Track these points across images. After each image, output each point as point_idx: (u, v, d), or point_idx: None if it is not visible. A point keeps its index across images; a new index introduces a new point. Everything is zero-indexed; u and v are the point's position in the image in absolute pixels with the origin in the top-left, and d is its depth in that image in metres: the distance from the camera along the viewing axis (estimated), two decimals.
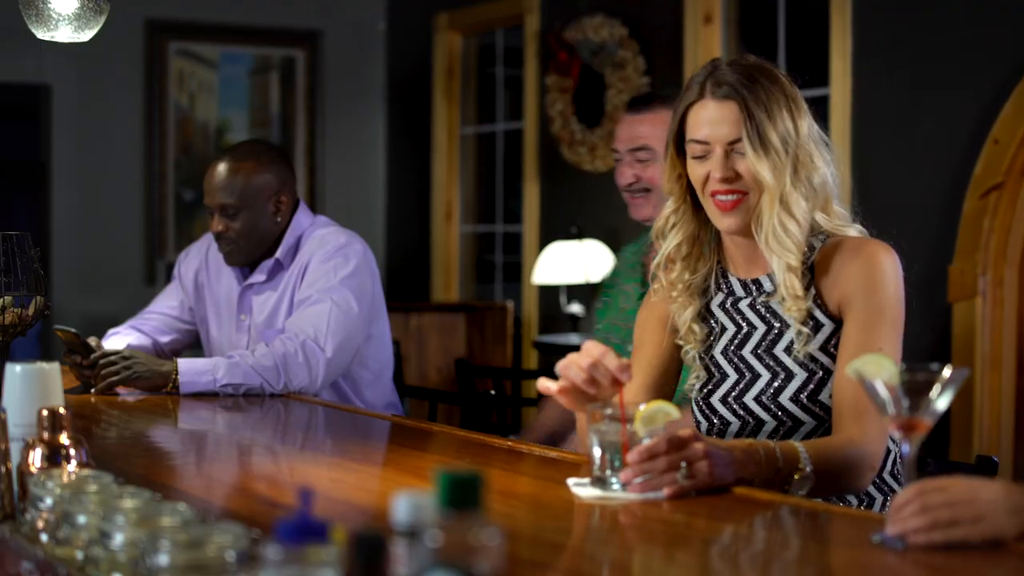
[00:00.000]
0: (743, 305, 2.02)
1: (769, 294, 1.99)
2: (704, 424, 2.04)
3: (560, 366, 1.77)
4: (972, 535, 1.37)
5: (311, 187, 6.35)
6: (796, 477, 1.76)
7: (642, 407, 1.72)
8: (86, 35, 2.73)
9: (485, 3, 5.91)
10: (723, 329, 2.03)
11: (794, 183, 1.92)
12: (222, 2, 6.19)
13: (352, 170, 6.43)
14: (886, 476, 2.01)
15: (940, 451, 3.76)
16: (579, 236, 5.16)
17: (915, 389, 1.46)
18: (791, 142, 1.92)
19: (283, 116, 6.38)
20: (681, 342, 2.06)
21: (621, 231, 5.22)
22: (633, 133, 2.82)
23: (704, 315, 2.05)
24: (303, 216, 3.12)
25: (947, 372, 1.46)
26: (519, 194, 5.80)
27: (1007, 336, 3.86)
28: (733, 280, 2.04)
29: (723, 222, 1.96)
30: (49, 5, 2.67)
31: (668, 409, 1.72)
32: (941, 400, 1.46)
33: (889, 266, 1.92)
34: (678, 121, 1.97)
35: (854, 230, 1.99)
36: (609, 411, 1.73)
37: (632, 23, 5.17)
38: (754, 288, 2.02)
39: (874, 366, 1.49)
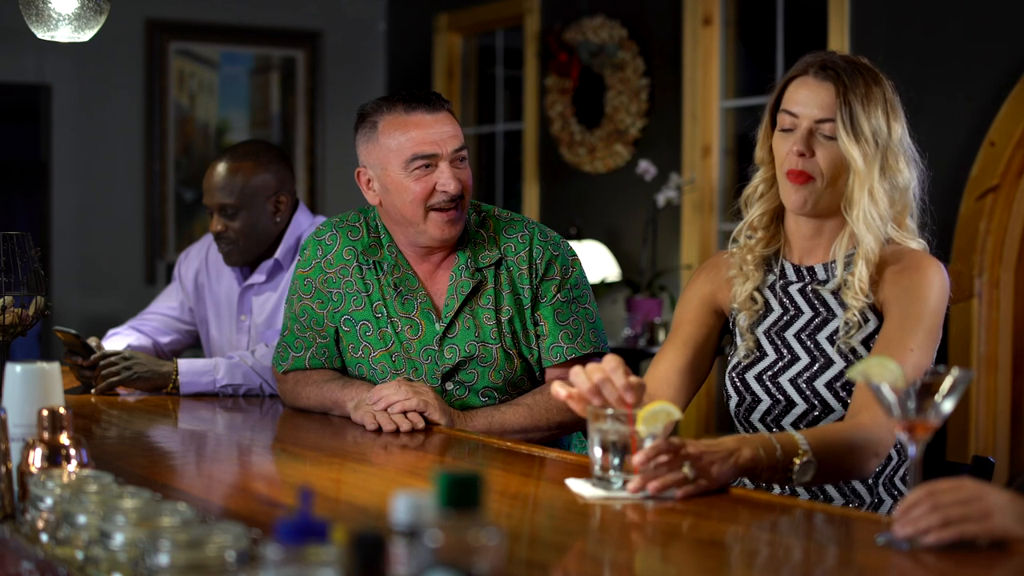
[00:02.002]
0: (793, 289, 2.07)
1: (822, 282, 2.03)
2: (735, 399, 2.08)
3: (572, 372, 1.78)
4: (982, 532, 1.39)
5: (311, 187, 6.35)
6: (796, 463, 1.77)
7: (643, 407, 1.73)
8: (86, 35, 2.73)
9: (485, 4, 5.91)
10: (770, 310, 2.07)
11: (880, 179, 1.97)
12: (222, 2, 6.20)
13: (352, 170, 6.43)
14: (897, 481, 2.03)
15: (937, 452, 3.76)
16: (578, 237, 5.16)
17: (921, 391, 1.47)
18: (881, 139, 1.97)
19: (283, 116, 6.39)
20: (736, 307, 2.09)
21: (621, 232, 5.23)
22: (448, 132, 2.38)
23: (758, 289, 2.09)
24: (302, 216, 3.12)
25: (952, 374, 1.47)
26: (519, 195, 5.81)
27: (1003, 337, 3.87)
28: (787, 265, 2.09)
29: (791, 198, 2.00)
30: (49, 5, 2.67)
31: (670, 409, 1.72)
32: (947, 402, 1.48)
33: (937, 281, 1.97)
34: (778, 91, 2.03)
35: (916, 244, 2.04)
36: (610, 411, 1.73)
37: (632, 24, 5.18)
38: (807, 275, 2.06)
39: (879, 368, 1.50)
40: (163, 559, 1.15)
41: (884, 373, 1.49)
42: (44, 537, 1.40)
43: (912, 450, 1.49)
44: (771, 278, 2.09)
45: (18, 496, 1.53)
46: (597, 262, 5.05)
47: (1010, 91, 3.79)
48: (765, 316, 2.08)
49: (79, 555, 1.32)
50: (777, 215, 2.08)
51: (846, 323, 1.98)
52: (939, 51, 4.02)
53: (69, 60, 5.77)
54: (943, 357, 3.89)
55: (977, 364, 3.84)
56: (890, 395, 1.48)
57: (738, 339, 2.09)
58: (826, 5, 4.34)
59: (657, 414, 1.71)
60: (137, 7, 5.91)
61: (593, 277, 5.06)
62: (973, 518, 1.39)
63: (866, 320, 1.98)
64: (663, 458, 1.66)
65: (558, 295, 2.44)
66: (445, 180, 2.36)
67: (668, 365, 2.08)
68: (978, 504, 1.39)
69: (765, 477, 1.76)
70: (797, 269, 2.07)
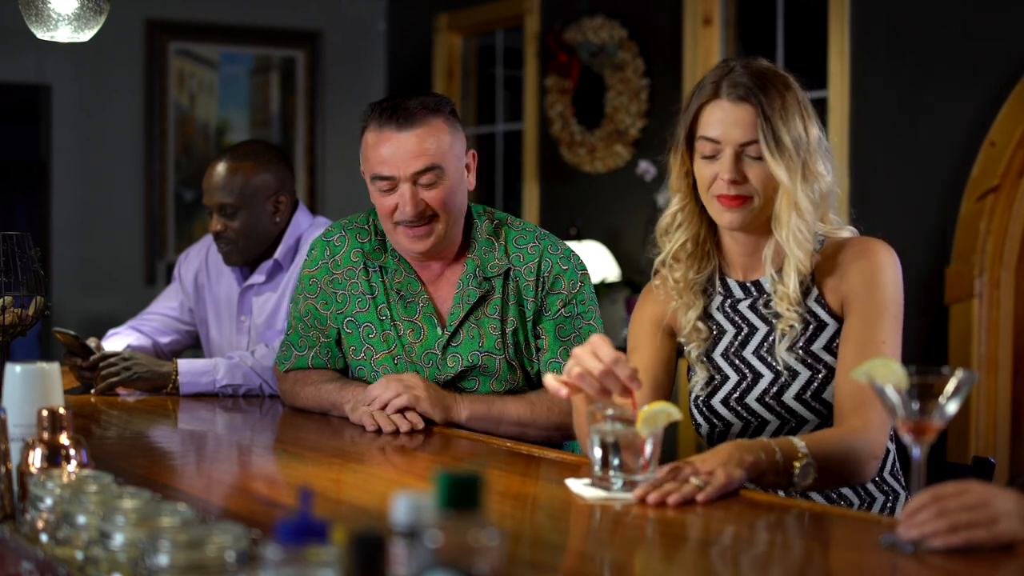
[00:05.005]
0: (743, 307, 2.03)
1: (770, 295, 2.00)
2: (705, 426, 2.04)
3: (575, 375, 1.75)
4: (988, 538, 1.38)
5: (311, 187, 6.35)
6: (797, 466, 1.76)
7: (644, 408, 1.73)
8: (86, 35, 2.73)
9: (485, 4, 5.91)
10: (722, 331, 2.04)
11: (803, 188, 1.93)
12: (222, 2, 6.20)
13: (352, 170, 6.41)
14: (886, 476, 2.02)
15: (938, 452, 3.76)
16: (579, 237, 5.16)
17: (925, 392, 1.46)
18: (802, 147, 1.93)
19: (283, 116, 6.39)
20: (683, 340, 2.07)
21: (621, 232, 5.23)
22: (412, 152, 2.32)
23: (702, 317, 2.06)
24: (302, 216, 3.12)
25: (956, 375, 1.46)
26: (519, 195, 5.81)
27: (1003, 338, 3.87)
28: (732, 283, 2.05)
29: (725, 217, 1.95)
30: (49, 5, 2.67)
31: (669, 409, 1.72)
32: (951, 403, 1.47)
33: (889, 264, 1.94)
34: (690, 118, 1.97)
35: (847, 231, 2.01)
36: (610, 411, 1.73)
37: (632, 25, 5.17)
38: (754, 290, 2.03)
39: (883, 370, 1.49)
40: (163, 559, 1.15)
41: (888, 375, 1.48)
42: (44, 537, 1.40)
43: (916, 452, 1.48)
44: (717, 299, 2.05)
45: (18, 496, 1.53)
46: (597, 262, 5.05)
47: (1010, 91, 3.79)
48: (719, 339, 2.04)
49: (79, 555, 1.32)
50: (701, 237, 2.03)
51: (782, 333, 1.95)
52: (939, 51, 4.02)
53: (69, 60, 5.77)
54: (943, 358, 3.89)
55: (977, 364, 3.84)
56: (894, 396, 1.47)
57: (695, 368, 2.06)
58: (826, 5, 4.34)
59: (657, 415, 1.71)
60: (137, 7, 5.90)
61: (593, 277, 5.05)
62: (980, 524, 1.38)
63: (823, 326, 1.96)
64: (669, 486, 1.66)
65: (562, 310, 2.41)
66: (403, 203, 2.34)
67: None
68: (985, 510, 1.39)
69: (768, 481, 1.75)
70: (743, 285, 2.04)
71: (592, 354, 1.73)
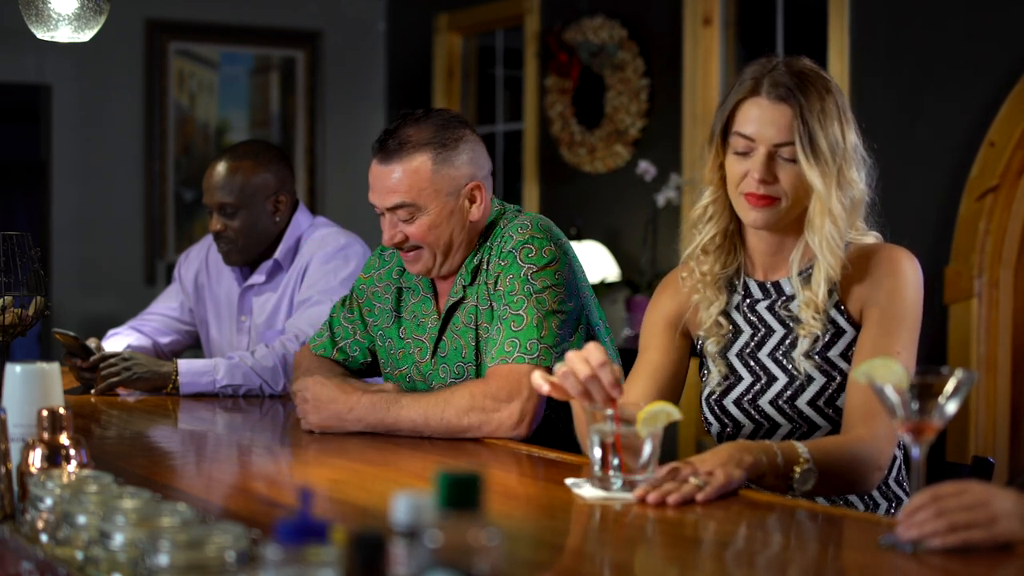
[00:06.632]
0: (761, 308, 2.02)
1: (790, 297, 1.99)
2: (716, 426, 2.03)
3: (559, 374, 1.76)
4: (987, 538, 1.38)
5: (311, 187, 6.35)
6: (797, 471, 1.76)
7: (644, 408, 1.73)
8: (86, 35, 2.73)
9: (485, 4, 5.91)
10: (739, 331, 2.03)
11: (838, 194, 1.91)
12: (222, 2, 6.20)
13: (352, 171, 6.43)
14: (891, 483, 2.01)
15: (937, 452, 3.76)
16: (578, 237, 5.16)
17: (924, 392, 1.46)
18: (838, 153, 1.91)
19: (283, 116, 6.39)
20: (703, 335, 2.05)
21: (621, 232, 5.23)
22: (387, 187, 2.32)
23: (723, 313, 2.04)
24: (302, 217, 3.13)
25: (956, 375, 1.46)
26: (519, 195, 5.81)
27: (1003, 338, 3.87)
28: (751, 283, 2.03)
29: (750, 216, 1.94)
30: (49, 5, 2.68)
31: (669, 410, 1.72)
32: (950, 403, 1.47)
33: (911, 273, 1.92)
34: (727, 112, 1.95)
35: (871, 237, 2.00)
36: (610, 411, 1.73)
37: (632, 25, 5.18)
38: (774, 291, 2.01)
39: (883, 370, 1.49)
40: (163, 559, 1.15)
41: (888, 375, 1.48)
42: (44, 537, 1.40)
43: (915, 452, 1.48)
44: (736, 298, 2.03)
45: (18, 496, 1.53)
46: (597, 262, 5.05)
47: (1010, 91, 3.79)
48: (735, 339, 2.02)
49: (79, 555, 1.32)
50: (729, 233, 2.02)
51: (809, 335, 1.94)
52: (939, 51, 4.02)
53: (69, 60, 5.77)
54: (942, 358, 3.89)
55: (977, 364, 3.84)
56: (894, 396, 1.47)
57: (709, 364, 2.04)
58: (826, 5, 4.34)
59: (657, 415, 1.71)
60: (137, 7, 5.90)
61: (593, 277, 5.06)
62: (979, 524, 1.38)
63: (841, 333, 1.94)
64: (669, 486, 1.66)
65: (501, 306, 2.28)
66: (384, 230, 2.36)
67: (638, 395, 2.01)
68: (984, 510, 1.38)
69: (767, 483, 1.75)
70: (762, 286, 2.02)
71: (583, 358, 1.74)
